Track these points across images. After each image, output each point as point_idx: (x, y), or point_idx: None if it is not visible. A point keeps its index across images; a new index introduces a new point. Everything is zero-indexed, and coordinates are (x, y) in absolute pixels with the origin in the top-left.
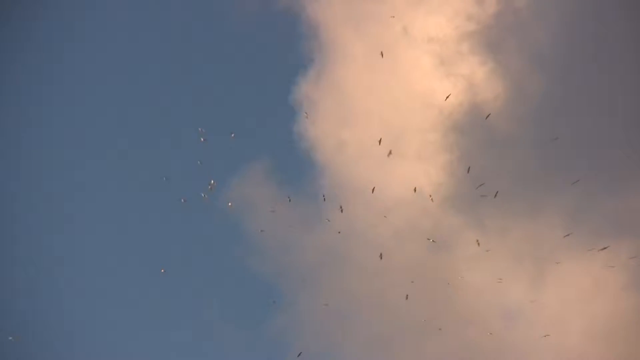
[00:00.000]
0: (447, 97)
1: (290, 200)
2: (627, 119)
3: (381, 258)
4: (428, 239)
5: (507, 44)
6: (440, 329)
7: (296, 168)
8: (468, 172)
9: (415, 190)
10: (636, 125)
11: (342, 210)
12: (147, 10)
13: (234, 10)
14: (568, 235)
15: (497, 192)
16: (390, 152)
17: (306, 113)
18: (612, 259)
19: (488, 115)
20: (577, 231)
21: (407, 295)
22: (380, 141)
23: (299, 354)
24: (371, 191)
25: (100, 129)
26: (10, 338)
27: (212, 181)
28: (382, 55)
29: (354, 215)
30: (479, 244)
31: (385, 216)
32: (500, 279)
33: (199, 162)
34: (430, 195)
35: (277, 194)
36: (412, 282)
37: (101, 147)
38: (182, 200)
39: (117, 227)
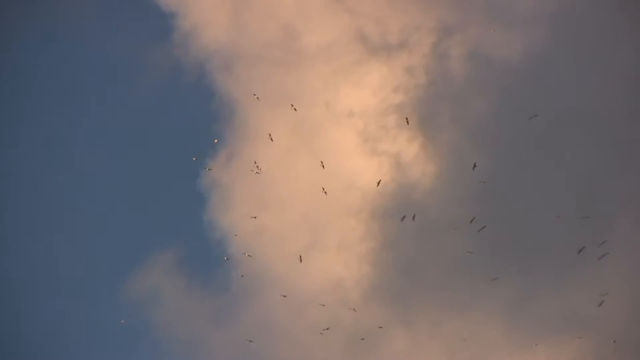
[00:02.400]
0: (379, 183)
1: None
2: (567, 197)
3: None
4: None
5: (439, 117)
6: None
7: (207, 259)
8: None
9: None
10: (575, 202)
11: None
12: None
13: (137, 83)
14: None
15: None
16: (300, 258)
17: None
18: (552, 356)
19: (414, 216)
20: (515, 326)
21: None
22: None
23: None
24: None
25: None
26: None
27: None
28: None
29: (270, 309)
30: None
31: (302, 309)
32: None
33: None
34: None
35: (187, 285)
36: None
37: None
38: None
39: None
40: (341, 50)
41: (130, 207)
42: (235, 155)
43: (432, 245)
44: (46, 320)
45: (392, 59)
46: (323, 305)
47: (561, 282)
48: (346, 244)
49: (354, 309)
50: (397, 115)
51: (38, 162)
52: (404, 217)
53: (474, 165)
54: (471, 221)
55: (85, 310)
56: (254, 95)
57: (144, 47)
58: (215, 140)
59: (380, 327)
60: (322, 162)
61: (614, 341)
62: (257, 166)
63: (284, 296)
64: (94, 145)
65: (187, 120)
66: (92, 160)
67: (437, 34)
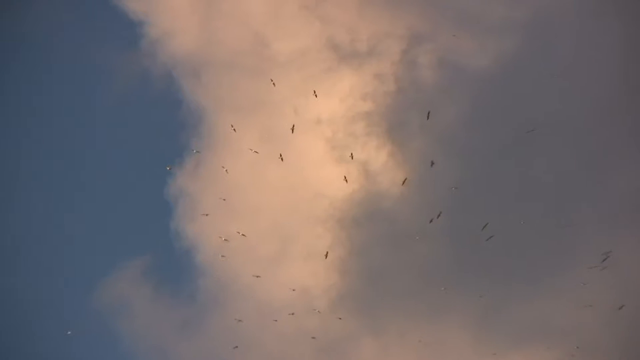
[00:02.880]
0: (404, 182)
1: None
2: (538, 205)
3: None
4: None
5: (408, 125)
6: None
7: (174, 267)
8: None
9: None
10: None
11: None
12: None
13: (104, 91)
14: None
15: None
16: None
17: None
18: None
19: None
20: (484, 335)
21: None
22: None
23: None
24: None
25: None
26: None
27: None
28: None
29: (238, 318)
30: None
31: (275, 320)
32: None
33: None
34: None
35: (155, 295)
36: None
37: None
38: None
39: None
40: (311, 57)
41: (96, 216)
42: (203, 163)
43: (400, 253)
44: (12, 330)
45: (361, 66)
46: (292, 314)
47: (531, 292)
48: (314, 253)
49: (318, 311)
50: (365, 122)
51: (3, 171)
52: (432, 163)
53: (432, 163)
54: (431, 220)
55: (52, 320)
56: (271, 81)
57: (112, 55)
58: (195, 151)
59: (340, 318)
60: (280, 155)
61: (577, 347)
62: (225, 169)
63: (239, 320)
64: (60, 153)
65: (155, 128)
66: (59, 168)
67: (406, 42)
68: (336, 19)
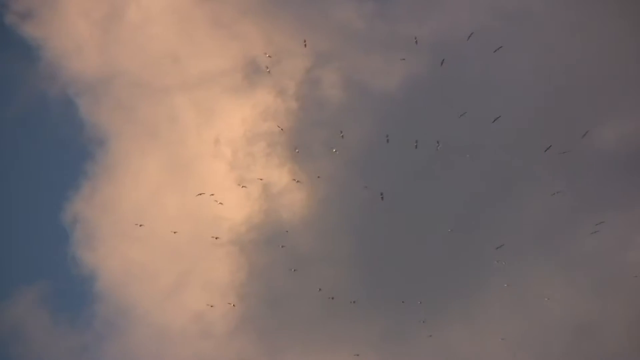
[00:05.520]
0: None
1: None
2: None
3: None
4: None
5: (311, 143)
6: None
7: (72, 294)
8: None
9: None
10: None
11: None
12: None
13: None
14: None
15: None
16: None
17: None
18: None
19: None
20: None
21: None
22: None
23: None
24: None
25: None
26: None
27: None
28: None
29: (136, 345)
30: None
31: (168, 344)
32: None
33: None
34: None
35: (52, 321)
36: None
37: None
38: None
39: None
40: (213, 79)
41: None
42: (100, 189)
43: (301, 278)
44: None
45: (263, 85)
46: (188, 338)
47: (434, 317)
48: (212, 277)
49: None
50: (266, 142)
51: None
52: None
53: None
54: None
55: None
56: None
57: (8, 78)
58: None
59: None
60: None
61: None
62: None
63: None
64: None
65: (52, 154)
66: None
67: (311, 61)
68: (239, 39)
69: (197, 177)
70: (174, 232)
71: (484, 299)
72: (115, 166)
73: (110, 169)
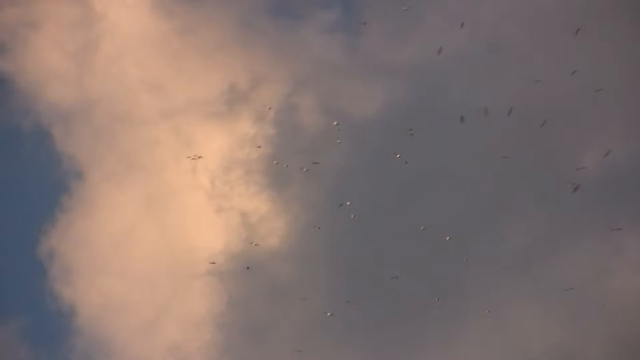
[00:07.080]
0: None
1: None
2: (419, 253)
3: None
4: None
5: (289, 172)
6: None
7: (49, 329)
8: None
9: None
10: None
11: None
12: None
13: None
14: None
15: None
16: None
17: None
18: None
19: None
20: None
21: None
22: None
23: None
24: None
25: None
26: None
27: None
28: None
29: None
30: None
31: None
32: None
33: None
34: None
35: (29, 356)
36: None
37: None
38: None
39: None
40: (191, 107)
41: None
42: (76, 223)
43: (281, 308)
44: None
45: (241, 111)
46: None
47: (411, 343)
48: (191, 309)
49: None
50: (243, 170)
51: None
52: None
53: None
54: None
55: None
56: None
57: None
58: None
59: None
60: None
61: None
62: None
63: None
64: None
65: (27, 186)
66: None
67: (289, 86)
68: (215, 65)
69: (175, 208)
70: (151, 265)
71: (462, 327)
72: (92, 198)
73: (86, 201)
